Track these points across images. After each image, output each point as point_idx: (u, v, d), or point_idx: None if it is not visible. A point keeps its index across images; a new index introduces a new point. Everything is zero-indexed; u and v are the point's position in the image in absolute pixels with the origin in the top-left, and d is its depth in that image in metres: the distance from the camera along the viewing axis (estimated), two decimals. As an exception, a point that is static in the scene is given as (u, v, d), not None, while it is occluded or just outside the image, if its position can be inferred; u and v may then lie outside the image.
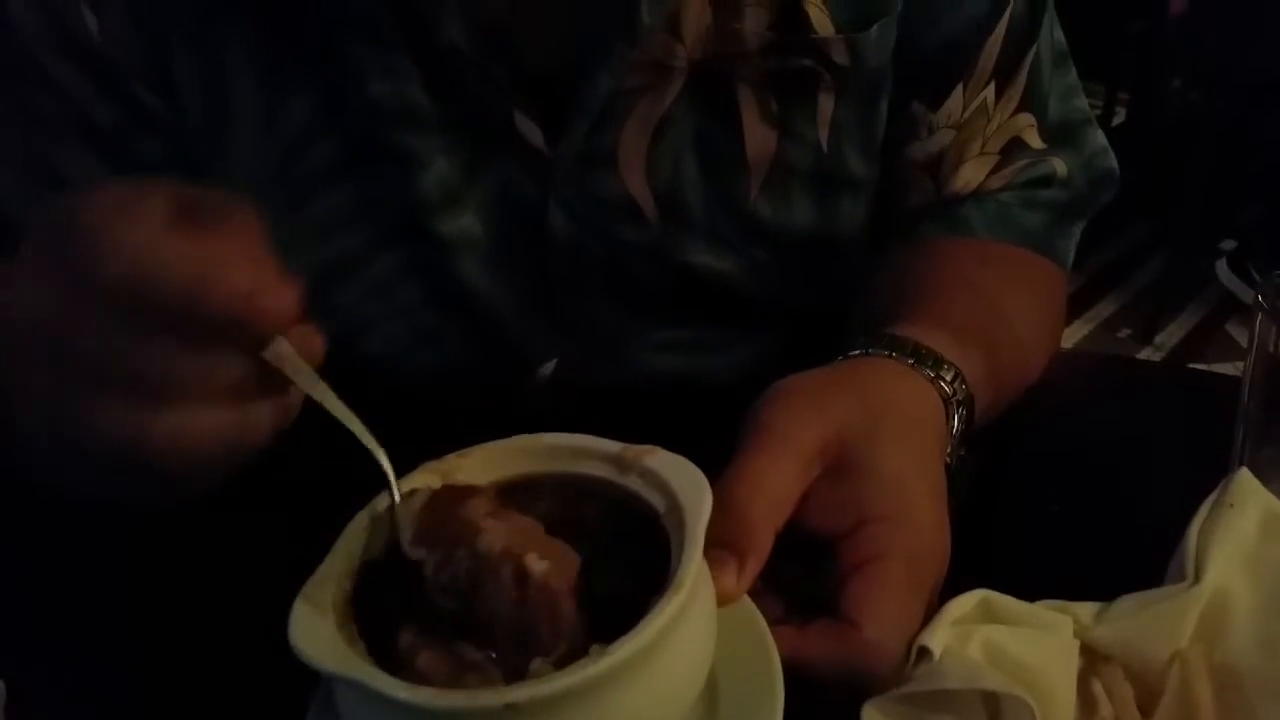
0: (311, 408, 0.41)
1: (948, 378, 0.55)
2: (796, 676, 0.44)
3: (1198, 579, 0.48)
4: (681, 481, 0.41)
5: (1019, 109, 0.72)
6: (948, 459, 0.55)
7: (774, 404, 0.51)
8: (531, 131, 0.64)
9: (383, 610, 0.40)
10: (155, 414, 0.38)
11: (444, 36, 0.61)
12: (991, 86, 0.70)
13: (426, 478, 0.43)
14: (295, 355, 0.39)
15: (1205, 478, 0.53)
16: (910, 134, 0.71)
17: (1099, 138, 0.77)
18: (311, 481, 0.57)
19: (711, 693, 0.43)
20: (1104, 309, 2.63)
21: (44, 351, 0.39)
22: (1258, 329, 0.53)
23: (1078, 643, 0.47)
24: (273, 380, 0.40)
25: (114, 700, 0.53)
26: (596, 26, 0.62)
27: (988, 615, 0.48)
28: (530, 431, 0.45)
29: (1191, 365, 2.38)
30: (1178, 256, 2.54)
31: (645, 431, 0.45)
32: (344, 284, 0.68)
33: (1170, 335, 2.52)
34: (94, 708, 0.53)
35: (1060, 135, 0.74)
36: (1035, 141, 0.73)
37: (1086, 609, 0.49)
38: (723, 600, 0.43)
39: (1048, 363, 0.71)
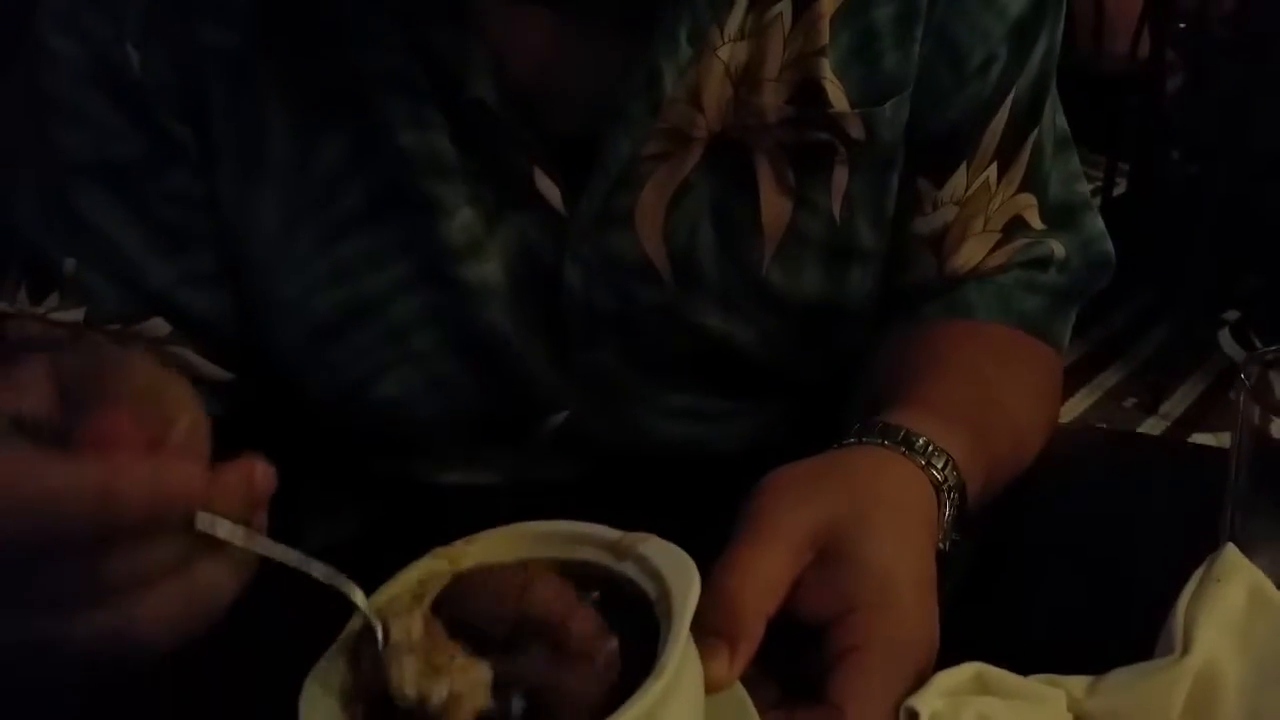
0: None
1: (939, 464, 0.56)
2: None
3: (1186, 651, 0.48)
4: (672, 569, 0.42)
5: (1020, 189, 0.74)
6: (941, 543, 0.55)
7: (764, 495, 0.52)
8: (550, 190, 0.66)
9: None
10: (87, 616, 0.37)
11: (471, 92, 0.63)
12: (994, 166, 0.72)
13: (435, 564, 0.45)
14: (224, 521, 0.38)
15: (1199, 551, 0.53)
16: (915, 209, 0.73)
17: (1098, 223, 0.78)
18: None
19: None
20: (1108, 378, 2.64)
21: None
22: (1241, 406, 0.54)
23: (1071, 716, 0.48)
24: (213, 541, 0.38)
25: None
26: (620, 94, 0.65)
27: (981, 687, 0.48)
28: (529, 501, 0.47)
29: (1196, 434, 2.39)
30: (1181, 326, 2.55)
31: (646, 497, 0.46)
32: (362, 327, 0.69)
33: (1175, 404, 2.53)
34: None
35: (1060, 217, 0.76)
36: (1035, 222, 0.75)
37: (1079, 682, 0.49)
38: (715, 687, 0.44)
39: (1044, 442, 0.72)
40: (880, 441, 0.57)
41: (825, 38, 0.66)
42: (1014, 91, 0.71)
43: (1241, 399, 0.53)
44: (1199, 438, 2.39)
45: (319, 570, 0.40)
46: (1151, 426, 2.47)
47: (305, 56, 0.65)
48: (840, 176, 0.69)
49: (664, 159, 0.67)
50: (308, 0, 0.64)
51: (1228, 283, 2.65)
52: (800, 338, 0.74)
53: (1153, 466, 0.77)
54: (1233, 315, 2.65)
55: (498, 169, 0.66)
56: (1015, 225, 0.74)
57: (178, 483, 0.36)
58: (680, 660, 0.39)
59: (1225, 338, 2.58)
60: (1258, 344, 2.50)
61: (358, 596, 0.41)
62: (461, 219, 0.67)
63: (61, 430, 0.37)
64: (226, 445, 0.41)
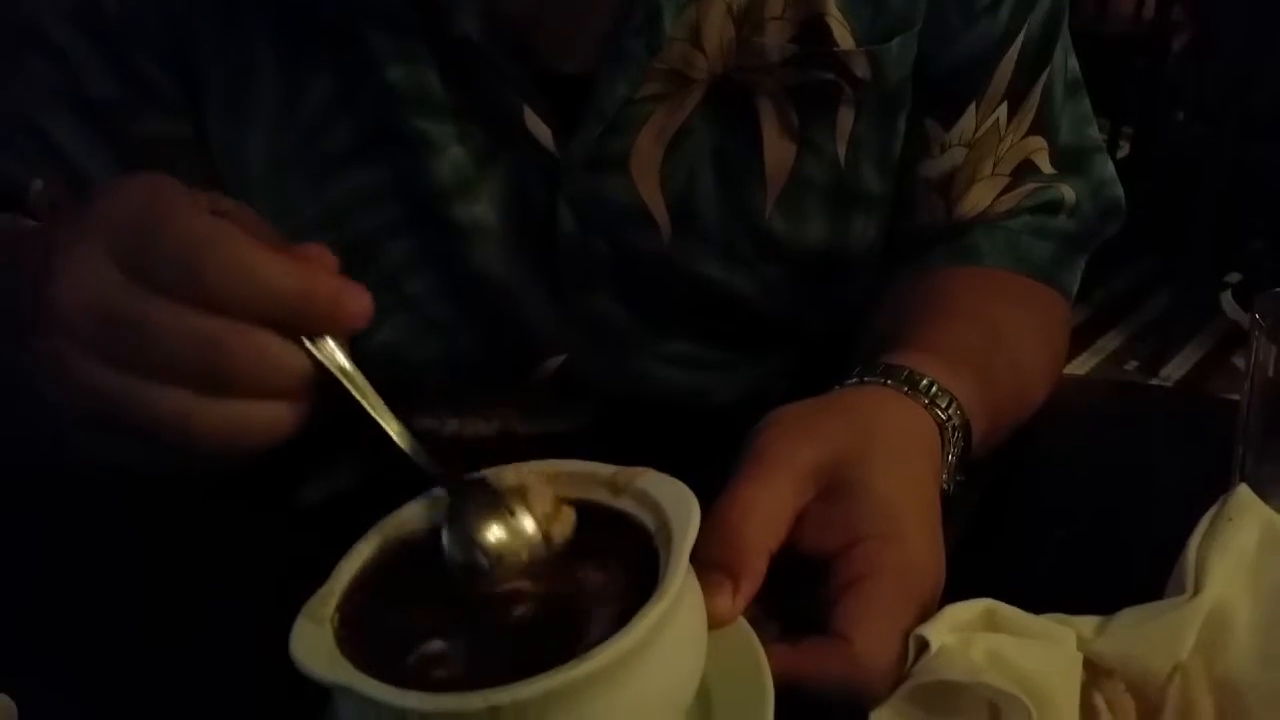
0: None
1: (943, 404, 0.56)
2: (791, 692, 0.44)
3: (1197, 591, 0.48)
4: (671, 500, 0.42)
5: (1031, 131, 0.73)
6: (945, 484, 0.55)
7: (767, 432, 0.52)
8: (541, 131, 0.65)
9: (382, 624, 0.41)
10: (210, 404, 0.40)
11: (458, 28, 0.62)
12: (1004, 107, 0.71)
13: (437, 495, 0.45)
14: (342, 356, 0.42)
15: (1205, 498, 0.53)
16: (923, 151, 0.72)
17: (1108, 167, 0.78)
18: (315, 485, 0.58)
19: (705, 706, 0.44)
20: (1110, 341, 2.64)
21: (99, 333, 0.40)
22: (1255, 348, 0.53)
23: (1081, 655, 0.47)
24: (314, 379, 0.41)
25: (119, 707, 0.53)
26: (616, 32, 0.63)
27: (991, 624, 0.48)
28: (528, 452, 0.46)
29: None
30: (1184, 289, 2.55)
31: (642, 444, 0.46)
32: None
33: (1176, 367, 2.53)
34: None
35: (1070, 161, 0.75)
36: (1046, 165, 0.74)
37: (1088, 622, 0.49)
38: (718, 622, 0.44)
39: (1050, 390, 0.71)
40: (883, 381, 0.56)
41: None
42: (1025, 30, 0.70)
43: (1255, 338, 0.53)
44: (1200, 400, 2.39)
45: (394, 428, 0.43)
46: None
47: None
48: (845, 118, 0.68)
49: (662, 101, 0.65)
50: None
51: (1230, 246, 2.64)
52: (802, 287, 0.73)
53: (1160, 416, 0.77)
54: (1235, 278, 2.64)
55: (487, 107, 0.65)
56: (1025, 169, 0.74)
57: (358, 306, 0.41)
58: (680, 588, 0.39)
59: (1228, 300, 2.58)
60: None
61: (423, 458, 0.44)
62: (451, 157, 0.65)
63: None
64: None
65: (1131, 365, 2.55)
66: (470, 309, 0.70)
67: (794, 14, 0.64)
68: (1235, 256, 2.66)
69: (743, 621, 0.46)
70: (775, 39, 0.65)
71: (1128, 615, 0.49)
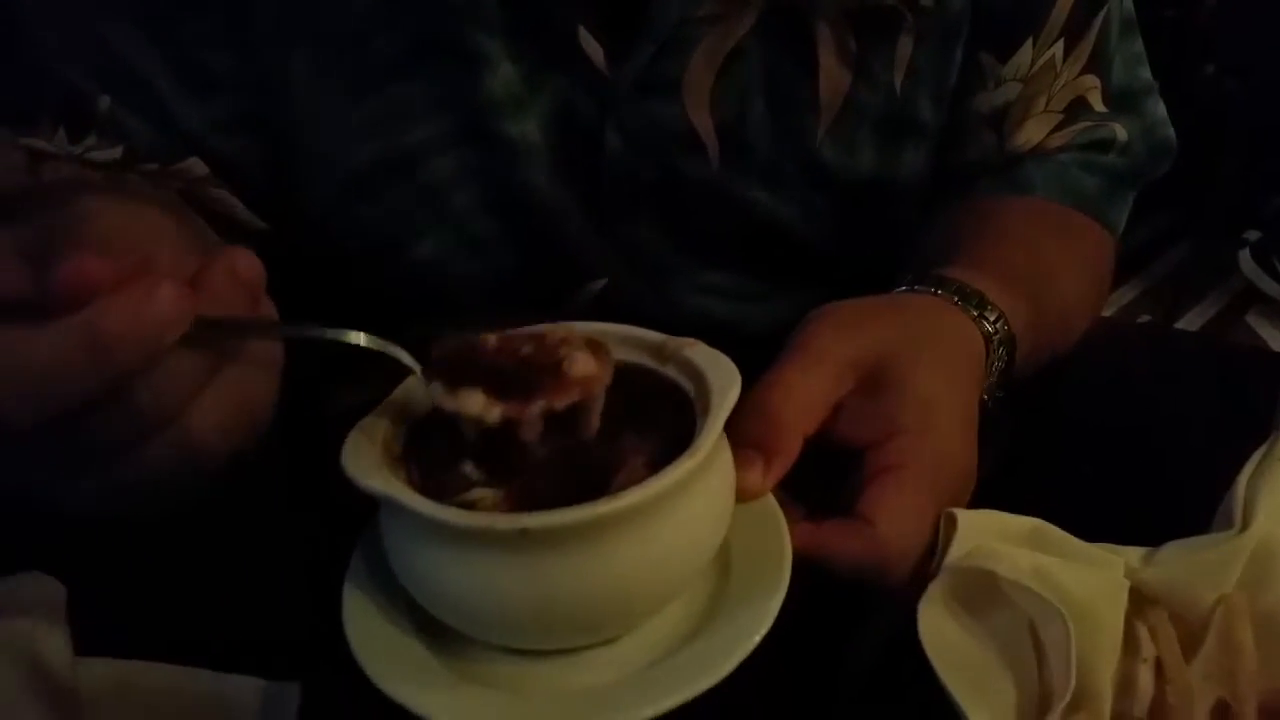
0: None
1: (990, 317, 0.58)
2: (810, 569, 0.46)
3: (1245, 527, 0.49)
4: (714, 370, 0.44)
5: (1085, 70, 0.73)
6: (986, 396, 0.57)
7: (814, 323, 0.53)
8: (594, 50, 0.64)
9: (428, 462, 0.43)
10: (141, 448, 0.37)
11: None
12: (1060, 44, 0.71)
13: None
14: (233, 310, 0.38)
15: (1241, 445, 0.54)
16: (977, 84, 0.72)
17: (1160, 108, 0.78)
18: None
19: (723, 569, 0.46)
20: (1125, 294, 2.63)
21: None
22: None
23: (1127, 583, 0.49)
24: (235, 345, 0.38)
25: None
26: None
27: (1039, 543, 0.49)
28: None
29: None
30: (1201, 245, 2.54)
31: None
32: (397, 185, 0.67)
33: (1190, 323, 2.53)
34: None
35: (1123, 101, 0.76)
36: (1099, 104, 0.74)
37: (1135, 552, 0.51)
38: (748, 495, 0.46)
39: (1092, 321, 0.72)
40: (934, 291, 0.58)
41: None
42: None
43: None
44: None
45: (357, 338, 0.41)
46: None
47: None
48: (905, 47, 0.67)
49: (716, 22, 0.64)
50: None
51: (1250, 203, 2.63)
52: (848, 216, 0.73)
53: (1195, 362, 0.77)
54: (1254, 236, 2.63)
55: (541, 25, 0.64)
56: (1078, 106, 0.74)
57: (159, 304, 0.35)
58: (711, 451, 0.40)
59: (1245, 258, 2.56)
60: (1278, 266, 2.48)
61: (401, 354, 0.42)
62: (503, 73, 0.64)
63: (39, 300, 0.35)
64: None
65: (1144, 319, 2.55)
66: (513, 227, 0.69)
67: None
68: (1255, 214, 2.65)
69: (770, 498, 0.48)
70: None
71: (1174, 547, 0.50)
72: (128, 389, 0.35)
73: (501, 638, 0.42)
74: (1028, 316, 0.60)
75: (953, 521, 0.48)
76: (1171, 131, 0.78)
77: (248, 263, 0.38)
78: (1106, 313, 2.79)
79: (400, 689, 0.40)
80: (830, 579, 0.48)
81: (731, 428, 0.43)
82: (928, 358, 0.52)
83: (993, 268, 0.61)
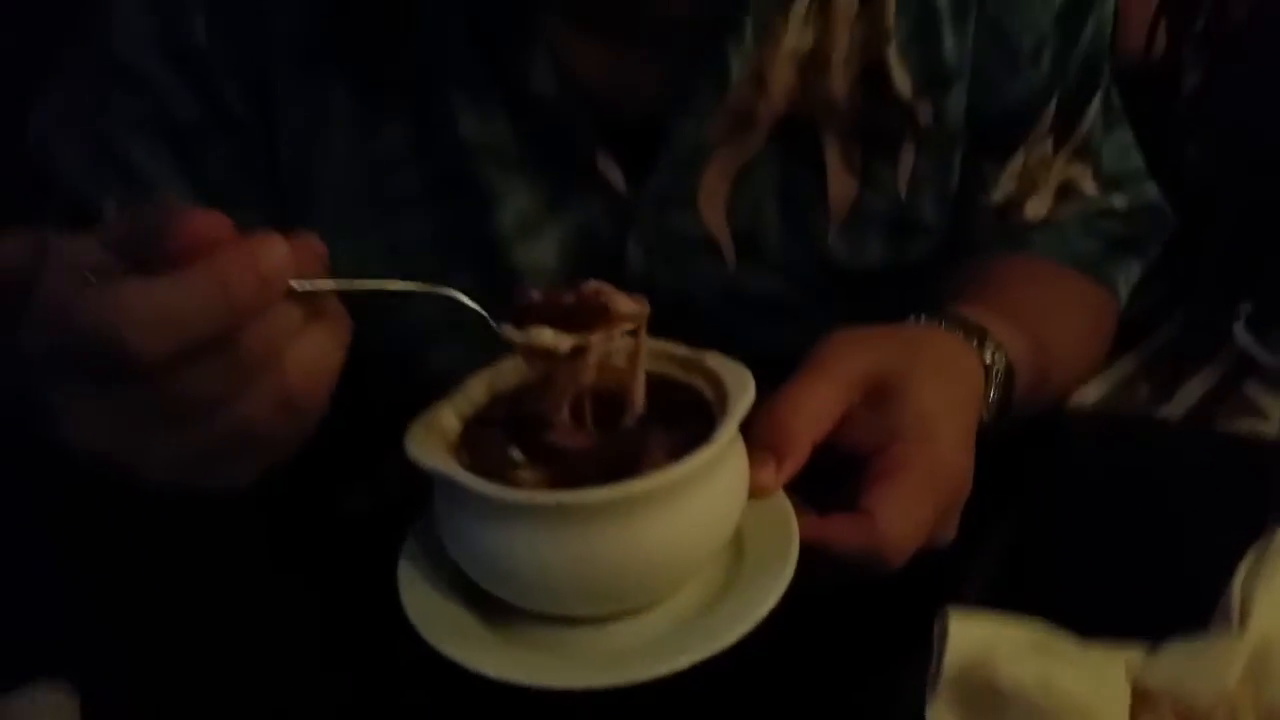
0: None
1: (989, 348, 0.63)
2: (817, 558, 0.51)
3: (1243, 625, 0.51)
4: (731, 376, 0.50)
5: (1076, 159, 0.78)
6: (986, 420, 0.61)
7: (826, 343, 0.59)
8: (614, 174, 0.68)
9: (481, 441, 0.49)
10: (245, 395, 0.40)
11: (534, 87, 0.65)
12: (1050, 139, 0.76)
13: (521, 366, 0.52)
14: (316, 278, 0.42)
15: (1238, 536, 0.55)
16: (978, 187, 0.77)
17: (1152, 188, 0.84)
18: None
19: (738, 552, 0.51)
20: (1123, 367, 2.65)
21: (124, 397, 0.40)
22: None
23: (1129, 683, 0.50)
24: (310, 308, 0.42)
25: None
26: (685, 82, 0.66)
27: (1039, 648, 0.51)
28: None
29: (1210, 426, 2.40)
30: (1196, 317, 2.56)
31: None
32: (412, 305, 0.70)
33: (1188, 395, 2.54)
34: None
35: (1115, 184, 0.81)
36: (1091, 190, 0.80)
37: (1136, 652, 0.52)
38: (761, 492, 0.52)
39: (1082, 424, 0.79)
40: (938, 323, 0.64)
41: (891, 21, 0.68)
42: (1068, 72, 0.74)
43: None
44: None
45: (414, 285, 0.47)
46: (1165, 416, 2.48)
47: (372, 48, 0.67)
48: (907, 156, 0.72)
49: (729, 140, 0.69)
50: None
51: (1243, 274, 2.66)
52: (857, 299, 0.77)
53: (1185, 455, 0.79)
54: (1247, 307, 2.66)
55: (558, 154, 0.68)
56: (1071, 191, 0.79)
57: (274, 252, 0.39)
58: (727, 444, 0.46)
59: (1240, 330, 2.59)
60: (1273, 336, 2.51)
61: (468, 301, 0.48)
62: (515, 207, 0.68)
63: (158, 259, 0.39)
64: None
65: (1143, 392, 2.57)
66: None
67: (856, 60, 0.68)
68: (1248, 285, 2.68)
69: (782, 495, 0.53)
70: (839, 83, 0.68)
71: (1176, 646, 0.52)
72: (236, 335, 0.39)
73: (540, 604, 0.47)
74: (1026, 351, 0.65)
75: (946, 628, 0.50)
76: (1167, 206, 0.83)
77: (319, 242, 0.43)
78: (1105, 387, 2.80)
79: (452, 649, 0.46)
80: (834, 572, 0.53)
81: (749, 432, 0.50)
82: (928, 376, 0.57)
83: (993, 306, 0.67)
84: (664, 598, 0.49)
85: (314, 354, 0.42)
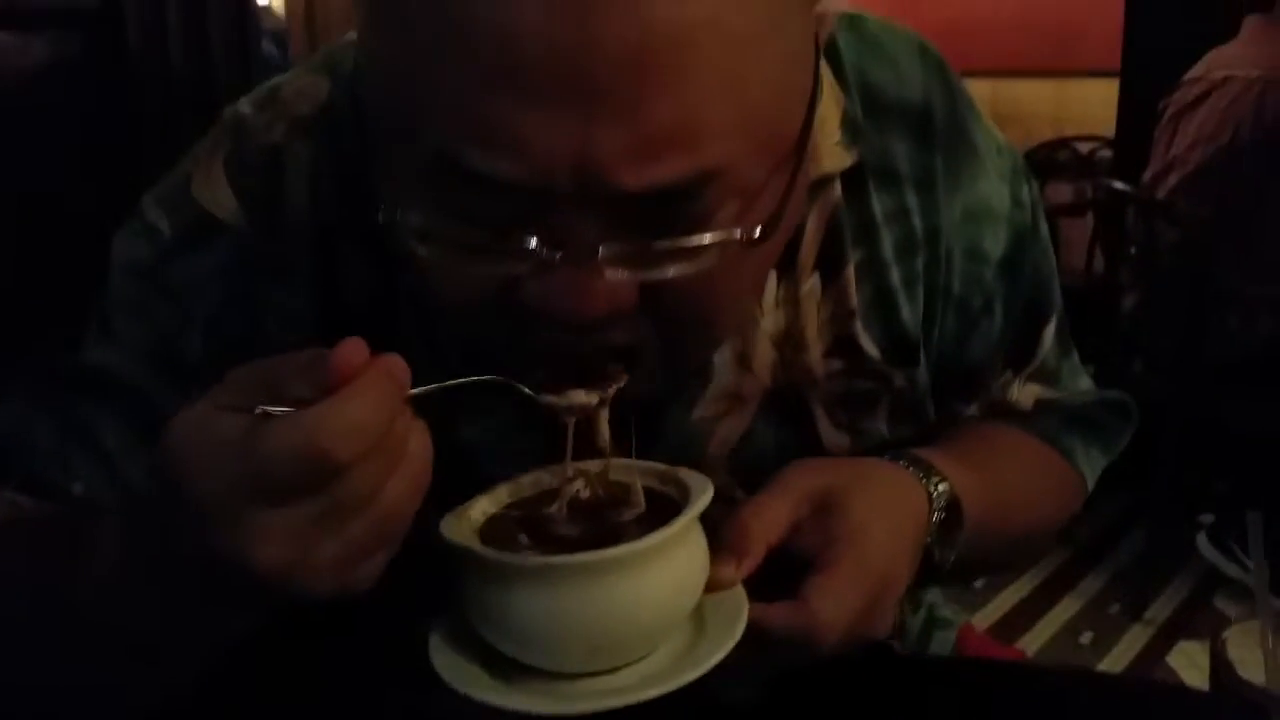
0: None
1: (934, 478, 0.70)
2: (760, 636, 0.59)
3: None
4: (695, 483, 0.60)
5: (1033, 379, 0.85)
6: (935, 550, 0.70)
7: (789, 467, 0.67)
8: (610, 451, 0.70)
9: (496, 530, 0.60)
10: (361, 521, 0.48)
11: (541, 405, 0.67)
12: (1009, 371, 0.84)
13: (543, 476, 0.64)
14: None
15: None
16: (949, 419, 0.83)
17: (1111, 391, 0.91)
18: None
19: (700, 627, 0.60)
20: (1092, 584, 2.67)
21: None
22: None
23: None
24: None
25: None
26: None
27: None
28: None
29: (1181, 641, 2.40)
30: (1159, 530, 2.60)
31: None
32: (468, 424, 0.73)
33: (1160, 609, 2.55)
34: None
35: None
36: (1052, 395, 0.86)
37: None
38: (720, 585, 0.60)
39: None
40: (887, 458, 0.71)
41: (854, 300, 0.74)
42: (1017, 313, 0.81)
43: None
44: (1185, 645, 2.41)
45: (487, 379, 0.57)
46: (1137, 633, 2.48)
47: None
48: (884, 406, 0.77)
49: (722, 418, 0.74)
50: (383, 320, 0.69)
51: (1201, 485, 2.71)
52: None
53: (1133, 705, 0.80)
54: (1208, 518, 2.70)
55: (556, 440, 0.70)
56: (1037, 406, 0.85)
57: (404, 368, 0.49)
58: (685, 529, 0.56)
59: (1203, 542, 2.62)
60: (1235, 549, 2.54)
61: (523, 389, 0.59)
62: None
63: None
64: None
65: (1114, 608, 2.58)
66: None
67: (827, 333, 0.74)
68: (1206, 496, 2.73)
69: (739, 590, 0.61)
70: (816, 356, 0.74)
71: None
72: (390, 431, 0.48)
73: (537, 657, 0.57)
74: (974, 485, 0.72)
75: None
76: (1130, 400, 0.90)
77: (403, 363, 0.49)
78: (1077, 605, 2.78)
79: (467, 688, 0.55)
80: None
81: (714, 540, 0.60)
82: (866, 493, 0.65)
83: (944, 446, 0.75)
84: (635, 657, 0.58)
85: (424, 445, 0.50)
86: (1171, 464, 2.45)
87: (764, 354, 0.73)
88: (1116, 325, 2.61)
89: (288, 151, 0.70)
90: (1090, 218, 2.90)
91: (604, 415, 0.62)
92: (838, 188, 0.73)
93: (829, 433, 0.76)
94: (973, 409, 0.84)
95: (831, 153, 0.72)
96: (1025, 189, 0.81)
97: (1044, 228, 0.83)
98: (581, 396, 0.60)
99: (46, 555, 0.62)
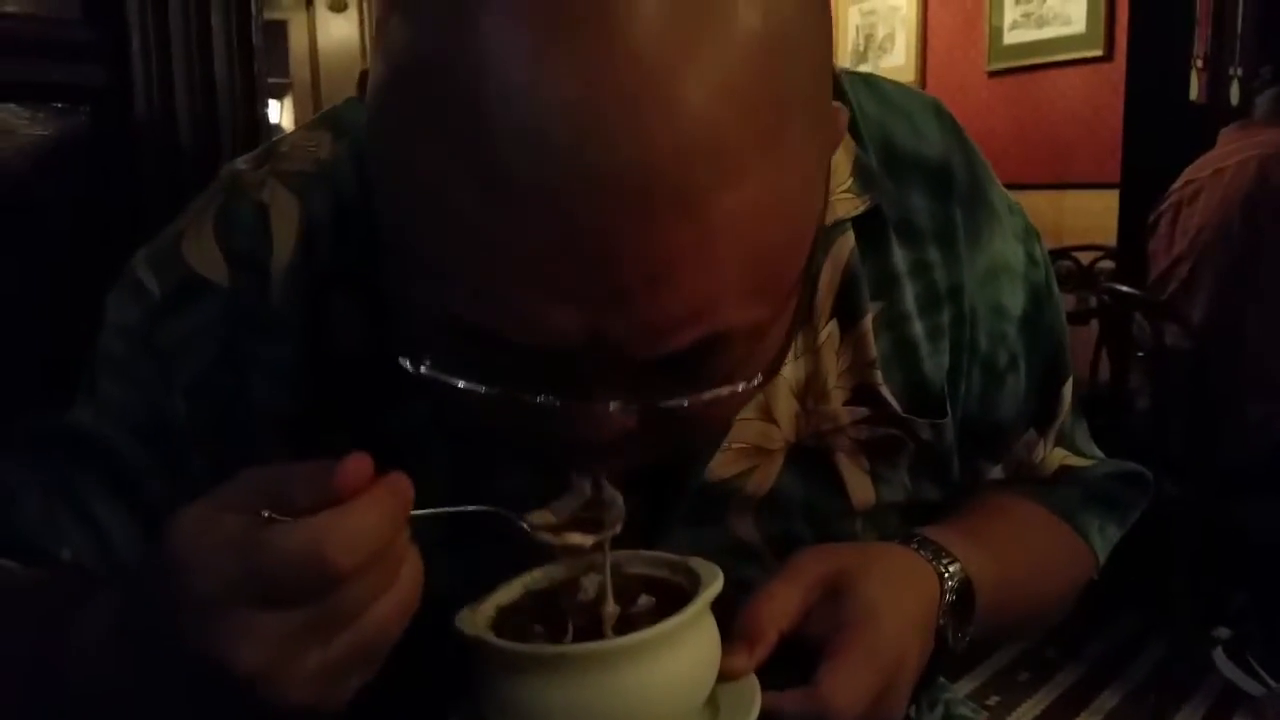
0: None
1: (945, 560, 0.70)
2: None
3: None
4: (705, 572, 0.60)
5: (1057, 443, 0.86)
6: (948, 632, 0.69)
7: (800, 554, 0.67)
8: (636, 511, 0.68)
9: (511, 622, 0.60)
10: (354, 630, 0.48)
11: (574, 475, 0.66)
12: (1033, 430, 0.83)
13: (556, 570, 0.64)
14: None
15: None
16: (974, 478, 0.83)
17: (1129, 462, 0.91)
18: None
19: (713, 712, 0.61)
20: (1108, 699, 2.58)
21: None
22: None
23: None
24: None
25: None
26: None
27: None
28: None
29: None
30: (1174, 645, 2.53)
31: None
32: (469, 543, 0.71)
33: (1179, 731, 2.46)
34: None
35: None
36: (1074, 462, 0.87)
37: None
38: (733, 674, 0.61)
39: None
40: (901, 542, 0.72)
41: (874, 350, 0.73)
42: (1039, 368, 0.81)
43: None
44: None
45: (487, 509, 0.57)
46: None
47: (356, 420, 0.69)
48: (908, 458, 0.76)
49: (749, 474, 0.72)
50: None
51: (1216, 599, 2.65)
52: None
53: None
54: (1224, 633, 2.63)
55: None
56: (1058, 475, 0.86)
57: (407, 485, 0.49)
58: (696, 617, 0.57)
59: (1220, 657, 2.55)
60: (1254, 664, 2.46)
61: (522, 522, 0.58)
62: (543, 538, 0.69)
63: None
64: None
65: (1133, 725, 2.49)
66: None
67: (848, 382, 0.73)
68: (1222, 610, 2.66)
69: (753, 678, 0.62)
70: (838, 405, 0.73)
71: None
72: (389, 546, 0.48)
73: None
74: (986, 564, 0.72)
75: None
76: (1146, 472, 0.91)
77: (407, 480, 0.50)
78: (1094, 720, 2.66)
79: None
80: None
81: (727, 628, 0.61)
82: (876, 577, 0.66)
83: (956, 524, 0.75)
84: None
85: (417, 569, 0.50)
86: (1185, 574, 2.39)
87: (786, 406, 0.72)
88: (1126, 432, 2.58)
89: (275, 207, 0.70)
90: (1095, 325, 2.90)
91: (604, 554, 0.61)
92: (851, 236, 0.72)
93: (856, 486, 0.75)
94: (997, 470, 0.84)
95: (842, 200, 0.72)
96: (1037, 247, 0.82)
97: (1056, 286, 0.84)
98: (577, 538, 0.60)
99: (31, 624, 0.61)
